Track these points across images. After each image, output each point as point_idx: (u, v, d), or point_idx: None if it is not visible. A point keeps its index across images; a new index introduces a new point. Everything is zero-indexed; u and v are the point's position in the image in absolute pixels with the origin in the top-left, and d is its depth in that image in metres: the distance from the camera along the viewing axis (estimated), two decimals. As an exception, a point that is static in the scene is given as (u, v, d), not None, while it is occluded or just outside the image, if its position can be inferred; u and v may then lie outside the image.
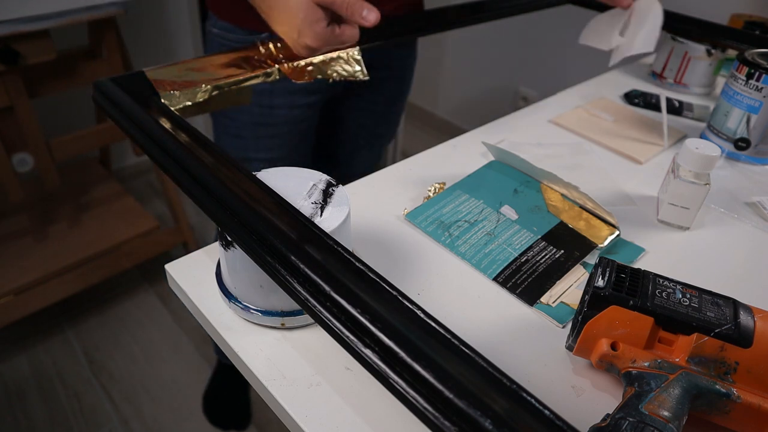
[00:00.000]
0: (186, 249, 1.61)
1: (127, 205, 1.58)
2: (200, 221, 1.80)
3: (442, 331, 0.29)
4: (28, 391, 1.31)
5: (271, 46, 0.64)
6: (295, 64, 0.64)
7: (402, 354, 0.28)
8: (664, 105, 0.74)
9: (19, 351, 1.41)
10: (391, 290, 0.32)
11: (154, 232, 1.51)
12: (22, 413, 1.27)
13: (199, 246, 0.54)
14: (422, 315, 0.30)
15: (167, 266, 0.51)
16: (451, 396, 0.26)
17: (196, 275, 0.50)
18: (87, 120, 1.60)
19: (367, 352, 0.29)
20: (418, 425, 0.27)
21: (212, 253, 0.53)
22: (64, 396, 1.31)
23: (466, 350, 0.28)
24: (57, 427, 1.24)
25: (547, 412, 0.25)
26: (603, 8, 0.94)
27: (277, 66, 0.63)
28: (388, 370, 0.28)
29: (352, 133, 1.04)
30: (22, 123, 1.16)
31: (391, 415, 0.39)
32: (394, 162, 0.84)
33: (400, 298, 0.31)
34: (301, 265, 0.33)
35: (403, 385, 0.28)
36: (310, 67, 0.65)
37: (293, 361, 0.42)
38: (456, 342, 0.29)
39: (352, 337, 0.30)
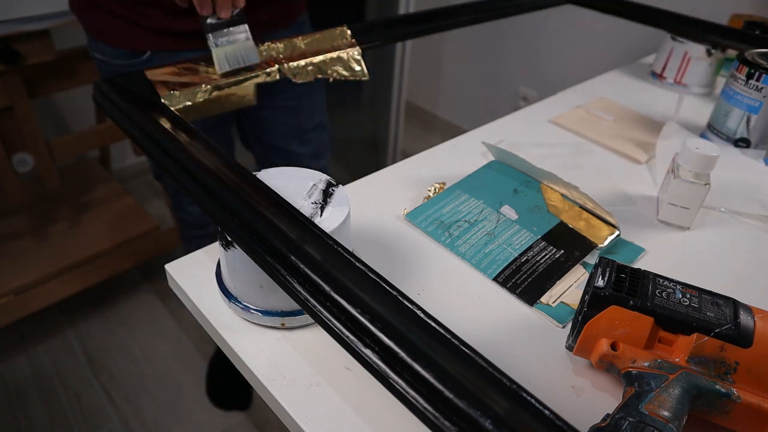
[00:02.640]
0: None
1: (127, 205, 1.58)
2: (200, 221, 1.80)
3: (442, 331, 0.29)
4: (28, 391, 1.31)
5: (271, 46, 0.64)
6: (295, 64, 0.64)
7: (402, 354, 0.28)
8: (679, 106, 0.73)
9: (19, 351, 1.40)
10: (391, 290, 0.32)
11: (154, 232, 1.51)
12: (22, 413, 1.27)
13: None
14: (422, 315, 0.30)
15: (167, 266, 0.51)
16: (451, 396, 0.26)
17: (196, 275, 0.50)
18: (87, 120, 1.60)
19: (367, 352, 0.29)
20: (418, 425, 0.27)
21: (212, 253, 0.53)
22: (64, 396, 1.31)
23: (466, 350, 0.28)
24: (57, 427, 1.24)
25: (547, 412, 0.25)
26: (603, 9, 0.94)
27: (276, 66, 0.63)
28: (388, 370, 0.28)
29: (280, 134, 1.03)
30: (22, 123, 1.16)
31: (391, 415, 0.39)
32: (394, 162, 0.84)
33: (400, 298, 0.31)
34: (301, 265, 0.33)
35: (403, 385, 0.28)
36: (310, 67, 0.65)
37: (293, 361, 0.42)
38: (456, 342, 0.29)
39: (352, 337, 0.30)
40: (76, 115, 1.68)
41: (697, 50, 0.87)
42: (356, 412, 0.39)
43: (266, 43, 0.64)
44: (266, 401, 0.42)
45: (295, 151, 1.07)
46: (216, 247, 0.53)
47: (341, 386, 0.41)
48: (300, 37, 0.66)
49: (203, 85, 0.58)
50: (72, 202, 1.56)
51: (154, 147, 0.45)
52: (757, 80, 0.69)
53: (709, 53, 0.87)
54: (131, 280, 1.62)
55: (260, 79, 0.62)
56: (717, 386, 0.36)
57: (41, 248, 1.41)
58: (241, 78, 0.61)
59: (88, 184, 1.64)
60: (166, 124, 0.47)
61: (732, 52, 0.91)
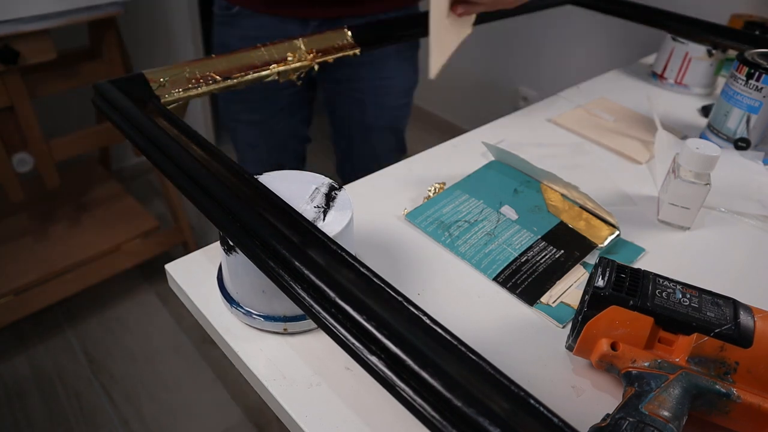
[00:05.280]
0: (186, 249, 1.61)
1: (127, 205, 1.58)
2: (200, 222, 1.80)
3: (449, 337, 0.29)
4: (28, 391, 1.31)
5: (270, 47, 0.64)
6: (291, 66, 0.64)
7: (409, 362, 0.28)
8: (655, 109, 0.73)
9: (19, 351, 1.40)
10: (396, 296, 0.31)
11: (154, 232, 1.51)
12: (22, 413, 1.27)
13: (199, 246, 0.54)
14: (429, 321, 0.30)
15: (167, 266, 0.51)
16: (459, 404, 0.26)
17: (196, 275, 0.50)
18: (87, 120, 1.60)
19: (374, 359, 0.29)
20: (417, 425, 0.27)
21: (212, 253, 0.53)
22: (64, 396, 1.31)
23: (474, 357, 0.28)
24: (57, 427, 1.24)
25: (555, 419, 0.25)
26: (603, 9, 0.94)
27: (274, 66, 0.63)
28: (394, 378, 0.28)
29: (344, 121, 1.07)
30: (22, 123, 1.16)
31: (390, 414, 0.39)
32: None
33: (406, 304, 0.31)
34: (305, 271, 0.33)
35: (410, 393, 0.27)
36: (301, 73, 0.66)
37: (293, 361, 0.42)
38: (463, 349, 0.28)
39: (357, 344, 0.30)
40: (76, 115, 1.67)
41: (697, 51, 0.87)
42: (356, 412, 0.39)
43: (267, 44, 0.64)
44: (266, 401, 0.42)
45: (354, 141, 1.09)
46: (216, 247, 0.53)
47: (341, 386, 0.41)
48: (300, 38, 0.66)
49: (203, 87, 0.59)
50: (72, 202, 1.56)
51: (155, 151, 0.45)
52: (757, 80, 0.69)
53: (709, 53, 0.87)
54: (131, 280, 1.62)
55: (265, 80, 0.62)
56: (717, 386, 0.36)
57: (41, 248, 1.41)
58: (242, 81, 0.61)
59: (88, 184, 1.64)
60: (167, 128, 0.47)
61: (733, 53, 0.91)
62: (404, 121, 1.09)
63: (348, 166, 1.15)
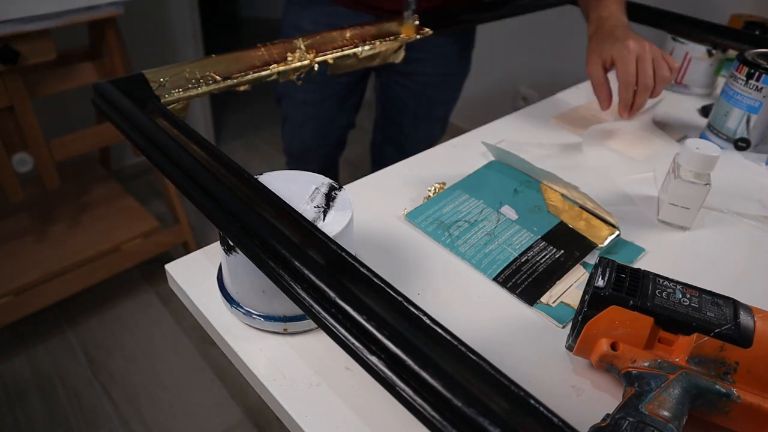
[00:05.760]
0: (186, 249, 1.61)
1: (127, 205, 1.58)
2: (200, 221, 1.80)
3: (449, 337, 0.29)
4: (28, 391, 1.31)
5: (270, 47, 0.64)
6: (291, 66, 0.64)
7: (409, 362, 0.28)
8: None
9: (19, 351, 1.40)
10: (397, 296, 0.31)
11: (154, 232, 1.51)
12: (22, 413, 1.27)
13: (199, 246, 0.54)
14: (429, 321, 0.30)
15: (167, 266, 0.51)
16: (459, 404, 0.26)
17: (196, 275, 0.50)
18: (87, 120, 1.60)
19: (374, 359, 0.29)
20: (417, 425, 0.27)
21: (212, 253, 0.53)
22: (64, 396, 1.31)
23: (474, 357, 0.28)
24: (57, 427, 1.24)
25: (555, 419, 0.25)
26: None
27: (274, 66, 0.63)
28: (395, 378, 0.28)
29: (397, 108, 1.11)
30: (22, 123, 1.16)
31: (390, 414, 0.39)
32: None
33: (405, 304, 0.31)
34: (305, 271, 0.33)
35: (411, 393, 0.27)
36: (301, 73, 0.66)
37: (293, 361, 0.42)
38: (463, 349, 0.28)
39: (358, 344, 0.30)
40: (76, 115, 1.67)
41: (697, 51, 0.87)
42: (356, 412, 0.39)
43: (267, 44, 0.64)
44: (266, 401, 0.42)
45: (405, 127, 1.14)
46: (216, 247, 0.53)
47: (341, 386, 0.41)
48: (300, 39, 0.66)
49: (203, 87, 0.59)
50: (72, 202, 1.56)
51: (155, 151, 0.45)
52: (757, 80, 0.69)
53: (709, 53, 0.87)
54: (131, 280, 1.62)
55: (267, 79, 0.63)
56: (717, 386, 0.36)
57: (41, 248, 1.41)
58: (240, 81, 0.61)
59: (88, 184, 1.64)
60: (167, 128, 0.47)
61: (733, 53, 0.91)
62: (452, 110, 1.16)
63: (390, 150, 1.19)
